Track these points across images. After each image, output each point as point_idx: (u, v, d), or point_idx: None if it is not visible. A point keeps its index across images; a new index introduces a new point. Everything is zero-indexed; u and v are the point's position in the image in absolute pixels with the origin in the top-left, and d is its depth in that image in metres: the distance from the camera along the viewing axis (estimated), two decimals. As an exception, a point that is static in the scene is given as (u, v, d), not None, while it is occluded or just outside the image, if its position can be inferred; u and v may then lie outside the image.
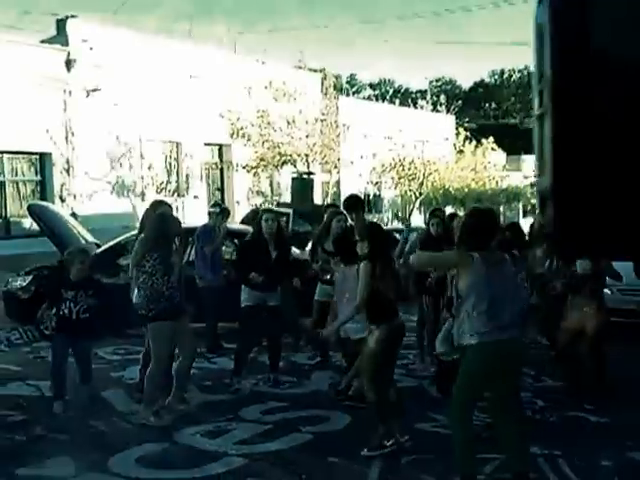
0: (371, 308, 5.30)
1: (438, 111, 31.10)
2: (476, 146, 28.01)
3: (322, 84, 23.12)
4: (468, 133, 28.31)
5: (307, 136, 20.39)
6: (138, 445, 5.37)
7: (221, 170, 21.96)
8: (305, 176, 19.57)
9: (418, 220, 22.91)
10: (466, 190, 26.86)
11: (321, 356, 7.87)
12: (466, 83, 69.53)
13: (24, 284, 9.78)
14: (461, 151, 27.88)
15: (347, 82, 56.61)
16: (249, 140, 20.08)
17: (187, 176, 20.06)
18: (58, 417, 6.13)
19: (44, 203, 13.68)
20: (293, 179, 19.64)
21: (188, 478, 4.80)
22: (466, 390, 4.42)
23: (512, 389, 4.55)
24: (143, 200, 17.67)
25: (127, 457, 5.15)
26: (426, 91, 44.12)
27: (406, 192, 25.93)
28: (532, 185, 31.81)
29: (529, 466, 4.52)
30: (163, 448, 5.36)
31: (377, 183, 26.35)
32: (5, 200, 16.79)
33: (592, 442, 5.46)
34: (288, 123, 19.99)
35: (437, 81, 67.63)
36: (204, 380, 7.15)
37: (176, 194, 19.08)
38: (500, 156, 31.67)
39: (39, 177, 17.42)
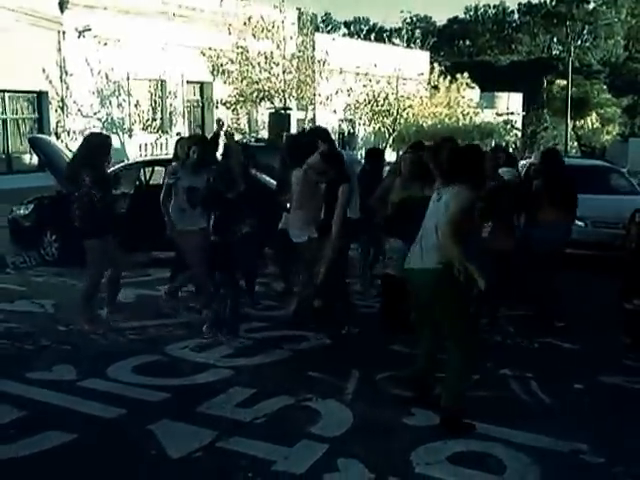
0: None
1: (412, 48, 30.67)
2: (450, 82, 27.41)
3: (298, 20, 22.78)
4: (443, 68, 27.88)
5: (284, 72, 20.23)
6: (133, 356, 5.64)
7: (202, 107, 21.81)
8: (282, 111, 19.51)
9: (391, 157, 22.99)
10: (439, 126, 26.64)
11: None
12: (440, 20, 67.88)
13: (27, 212, 9.98)
14: (435, 87, 27.35)
15: (322, 21, 55.52)
16: (229, 77, 19.90)
17: (170, 113, 19.95)
18: (61, 330, 6.40)
19: (43, 136, 13.63)
20: (270, 114, 19.59)
21: (179, 385, 5.09)
22: None
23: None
24: (130, 137, 17.65)
25: (123, 366, 5.42)
26: (401, 29, 43.32)
27: (380, 129, 25.78)
28: (505, 122, 31.77)
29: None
30: (156, 359, 5.64)
31: (351, 120, 26.25)
32: (7, 137, 16.75)
33: (563, 366, 5.62)
34: (266, 59, 19.79)
35: (412, 18, 66.12)
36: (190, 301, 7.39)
37: (160, 131, 19.01)
38: (474, 93, 31.22)
39: (37, 115, 17.39)
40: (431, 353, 4.75)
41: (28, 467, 3.85)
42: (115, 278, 6.74)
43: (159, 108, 19.89)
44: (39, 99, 17.33)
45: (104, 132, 17.20)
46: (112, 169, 10.00)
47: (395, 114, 24.82)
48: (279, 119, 19.02)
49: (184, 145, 7.12)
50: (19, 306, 7.29)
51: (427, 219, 4.46)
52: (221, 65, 19.75)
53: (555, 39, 59.16)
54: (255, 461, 3.92)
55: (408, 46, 30.92)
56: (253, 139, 16.64)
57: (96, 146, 6.47)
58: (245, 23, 19.44)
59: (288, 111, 19.74)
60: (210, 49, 19.28)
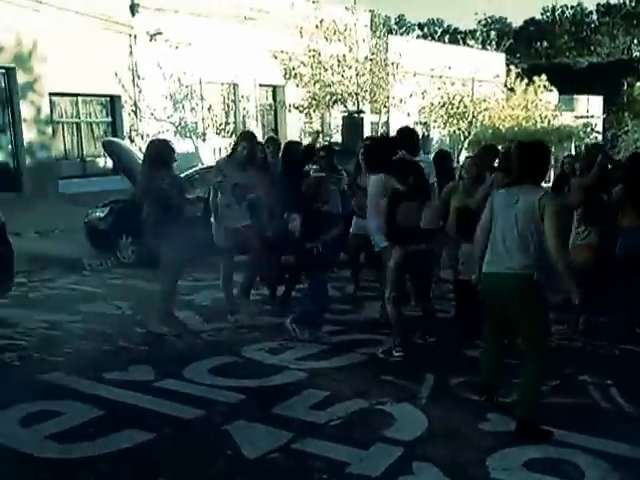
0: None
1: (487, 49, 30.31)
2: (527, 84, 26.95)
3: (371, 23, 22.83)
4: (519, 70, 27.46)
5: (357, 75, 20.31)
6: (209, 358, 5.81)
7: (275, 111, 22.12)
8: (355, 115, 19.58)
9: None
10: (516, 129, 26.20)
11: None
12: (517, 22, 66.73)
13: (102, 215, 10.38)
14: (512, 89, 27.06)
15: (396, 23, 55.39)
16: (301, 80, 20.12)
17: (244, 117, 20.27)
18: (137, 331, 6.65)
19: (117, 139, 14.10)
20: (343, 118, 19.69)
21: (254, 386, 5.21)
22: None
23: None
24: (204, 141, 18.05)
25: (199, 367, 5.58)
26: (475, 31, 42.76)
27: (455, 131, 25.60)
28: (585, 125, 30.97)
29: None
30: (232, 361, 5.79)
31: (425, 123, 26.12)
32: (81, 140, 17.40)
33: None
34: (339, 62, 19.93)
35: (487, 20, 65.24)
36: (267, 304, 7.57)
37: (234, 135, 19.36)
38: (553, 95, 30.59)
39: (110, 118, 17.98)
40: (499, 357, 4.75)
41: (107, 465, 4.00)
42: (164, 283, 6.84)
43: (232, 112, 20.27)
44: (112, 103, 17.91)
45: (177, 136, 17.80)
46: (186, 173, 10.34)
47: (470, 117, 24.57)
48: (352, 122, 19.12)
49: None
50: (97, 308, 7.60)
51: (502, 222, 4.41)
52: (293, 68, 19.99)
53: (635, 40, 57.42)
54: (330, 463, 3.99)
55: (483, 48, 30.49)
56: (327, 143, 16.78)
57: (162, 152, 6.67)
58: (317, 26, 19.63)
59: (361, 114, 19.81)
60: (282, 52, 19.55)
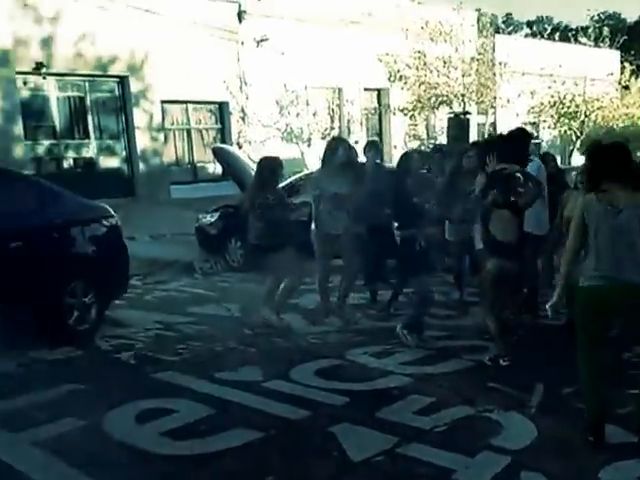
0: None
1: (600, 47, 29.22)
2: (645, 82, 25.98)
3: (478, 22, 22.52)
4: (634, 67, 26.36)
5: (463, 75, 20.09)
6: (314, 360, 5.94)
7: (379, 114, 22.18)
8: (461, 116, 19.35)
9: (579, 161, 22.04)
10: (632, 128, 25.03)
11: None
12: (631, 17, 63.87)
13: (212, 220, 10.76)
14: (627, 87, 25.92)
15: (503, 22, 54.14)
16: (406, 83, 20.09)
17: (348, 121, 20.44)
18: (246, 333, 6.90)
19: (226, 146, 14.56)
20: (449, 119, 19.49)
21: (359, 389, 5.27)
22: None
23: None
24: (309, 146, 18.35)
25: (306, 369, 5.72)
26: (588, 27, 41.25)
27: (566, 132, 24.83)
28: None
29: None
30: (337, 364, 5.90)
31: (535, 123, 25.46)
32: (192, 147, 18.07)
33: None
34: (444, 63, 19.78)
35: (599, 16, 62.54)
36: (370, 308, 7.65)
37: (338, 140, 19.50)
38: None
39: (219, 125, 18.56)
40: (603, 376, 4.44)
41: (218, 462, 4.14)
42: (291, 286, 7.11)
43: (336, 116, 20.50)
44: (221, 109, 18.48)
45: (283, 142, 18.14)
46: (292, 178, 10.58)
47: (582, 116, 23.77)
48: (458, 124, 18.89)
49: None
50: (208, 310, 7.93)
51: (606, 231, 4.17)
52: (398, 71, 20.01)
53: None
54: (435, 469, 4.00)
55: (596, 45, 29.37)
56: (431, 145, 16.70)
57: (270, 170, 6.98)
58: (422, 27, 19.57)
59: (467, 115, 19.56)
60: (387, 54, 19.59)
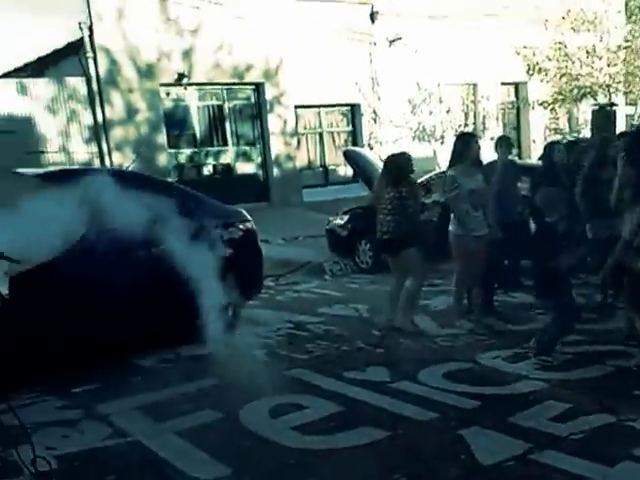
0: None
1: None
2: None
3: (626, 8, 21.38)
4: None
5: (609, 65, 19.16)
6: (443, 362, 5.90)
7: (517, 109, 21.61)
8: (607, 108, 18.47)
9: None
10: None
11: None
12: None
13: (342, 222, 10.93)
14: None
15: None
16: (546, 75, 19.45)
17: (483, 117, 20.07)
18: (374, 334, 6.96)
19: (357, 148, 14.72)
20: (593, 111, 18.66)
21: (490, 393, 5.18)
22: None
23: None
24: (442, 144, 18.18)
25: (435, 371, 5.69)
26: None
27: None
28: None
29: None
30: (467, 367, 5.82)
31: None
32: (324, 150, 18.40)
33: None
34: (588, 53, 18.96)
35: None
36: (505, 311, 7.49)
37: (473, 137, 19.19)
38: None
39: (351, 127, 18.77)
40: None
41: (344, 459, 4.22)
42: (415, 288, 7.06)
43: (471, 113, 20.19)
44: (352, 111, 18.68)
45: (415, 140, 18.09)
46: (424, 177, 10.53)
47: None
48: (604, 116, 18.05)
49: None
50: (337, 310, 8.09)
51: None
52: (537, 63, 19.40)
53: None
54: (570, 477, 3.86)
55: None
56: (574, 139, 16.08)
57: (396, 166, 6.96)
58: (563, 17, 18.87)
59: (614, 107, 18.65)
60: (525, 47, 19.05)
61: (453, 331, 6.89)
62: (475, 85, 20.22)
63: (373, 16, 18.30)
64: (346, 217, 11.02)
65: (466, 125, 19.49)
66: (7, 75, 15.36)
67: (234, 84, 16.73)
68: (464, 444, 4.32)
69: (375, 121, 18.47)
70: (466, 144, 7.07)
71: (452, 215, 7.01)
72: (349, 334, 6.96)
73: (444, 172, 10.46)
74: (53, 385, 5.63)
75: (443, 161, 16.35)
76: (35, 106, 13.86)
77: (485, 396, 5.13)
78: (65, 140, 14.20)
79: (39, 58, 15.08)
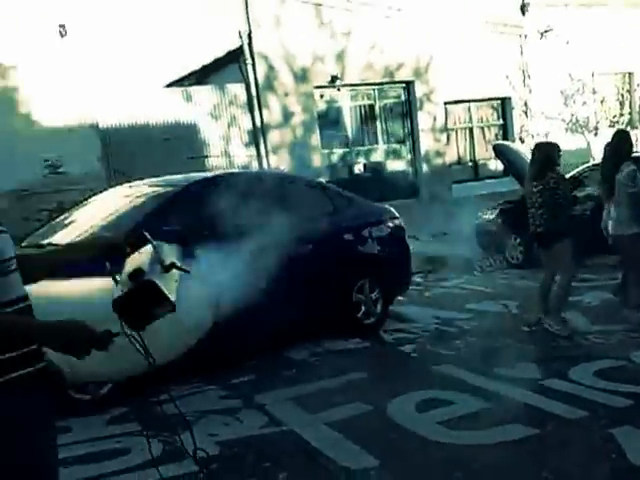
0: None
1: None
2: None
3: None
4: None
5: None
6: (595, 360, 5.69)
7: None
8: None
9: None
10: None
11: None
12: None
13: (492, 217, 10.75)
14: None
15: None
16: None
17: (640, 107, 18.93)
18: (523, 330, 6.84)
19: (507, 142, 14.38)
20: None
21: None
22: None
23: None
24: (596, 135, 17.32)
25: (586, 369, 5.51)
26: None
27: None
28: None
29: None
30: (620, 365, 5.59)
31: None
32: (474, 144, 18.11)
33: None
34: None
35: None
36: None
37: (629, 126, 18.16)
38: None
39: (501, 121, 18.32)
40: None
41: (491, 454, 4.18)
42: (565, 284, 6.78)
43: (627, 102, 19.07)
44: (503, 105, 18.21)
45: (567, 132, 17.34)
46: (577, 170, 10.15)
47: None
48: None
49: None
50: (485, 306, 7.97)
51: None
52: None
53: None
54: None
55: None
56: None
57: (545, 155, 6.73)
58: None
59: None
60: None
61: (606, 328, 6.61)
62: (631, 74, 19.02)
63: (523, 8, 17.74)
64: (496, 212, 10.82)
65: (621, 115, 18.42)
66: (173, 84, 16.21)
67: (385, 83, 16.77)
68: (615, 443, 4.18)
69: (526, 114, 17.91)
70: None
71: (620, 211, 6.58)
72: (497, 330, 6.86)
73: (597, 164, 10.08)
74: (213, 376, 5.88)
75: (597, 153, 15.61)
76: (199, 113, 14.45)
77: (638, 395, 4.91)
78: (226, 144, 14.79)
79: (203, 67, 15.80)
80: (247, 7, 14.44)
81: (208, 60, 15.42)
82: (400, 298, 8.02)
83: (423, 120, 16.85)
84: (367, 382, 5.61)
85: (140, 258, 2.30)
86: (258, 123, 14.91)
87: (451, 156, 17.66)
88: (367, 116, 16.70)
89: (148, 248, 2.34)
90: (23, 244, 6.13)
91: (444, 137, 17.25)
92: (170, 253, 2.35)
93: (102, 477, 4.20)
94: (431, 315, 7.70)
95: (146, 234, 2.38)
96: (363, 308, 7.14)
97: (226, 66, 15.30)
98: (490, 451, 4.22)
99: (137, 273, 2.14)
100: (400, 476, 4.03)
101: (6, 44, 11.64)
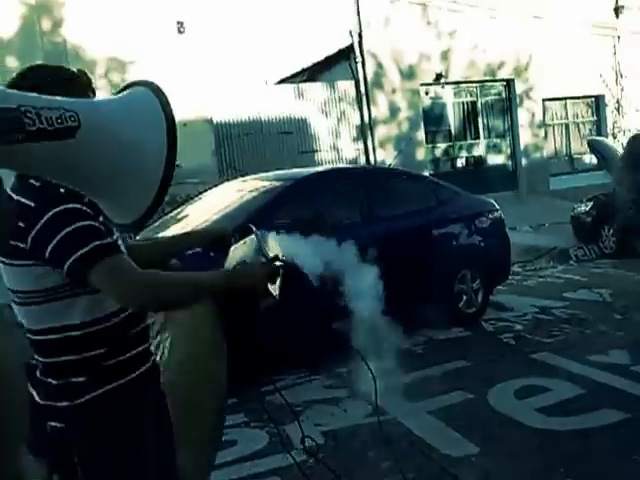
0: None
1: None
2: None
3: None
4: None
5: None
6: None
7: None
8: None
9: None
10: None
11: None
12: None
13: (586, 209, 10.48)
14: None
15: None
16: None
17: None
18: (617, 318, 6.60)
19: (600, 138, 13.80)
20: None
21: None
22: None
23: None
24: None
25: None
26: None
27: None
28: None
29: None
30: None
31: None
32: (569, 139, 17.49)
33: None
34: None
35: None
36: None
37: None
38: None
39: (594, 117, 17.67)
40: None
41: (585, 439, 4.08)
42: None
43: None
44: (597, 102, 17.57)
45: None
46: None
47: None
48: None
49: None
50: (580, 295, 7.76)
51: None
52: None
53: None
54: None
55: None
56: None
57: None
58: None
59: None
60: None
61: None
62: None
63: (618, 10, 16.96)
64: (590, 204, 10.57)
65: None
66: (285, 80, 16.29)
67: (487, 81, 16.41)
68: None
69: (618, 111, 17.14)
70: None
71: None
72: (592, 318, 6.65)
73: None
74: (318, 366, 5.61)
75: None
76: (310, 109, 14.33)
77: None
78: (335, 139, 14.78)
79: (313, 64, 15.78)
80: (358, 7, 14.38)
81: (319, 58, 15.44)
82: (499, 287, 7.86)
83: (522, 116, 16.43)
84: (468, 370, 5.48)
85: (243, 248, 2.14)
86: (366, 118, 14.90)
87: (549, 150, 17.16)
88: (469, 112, 16.41)
89: (252, 238, 2.13)
90: (138, 238, 6.31)
91: (542, 132, 16.75)
92: (275, 245, 2.14)
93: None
94: (529, 304, 7.51)
95: (252, 226, 2.19)
96: (464, 298, 7.01)
97: (336, 63, 15.29)
98: (584, 436, 4.12)
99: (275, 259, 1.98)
100: (500, 463, 3.92)
101: (126, 40, 11.57)
